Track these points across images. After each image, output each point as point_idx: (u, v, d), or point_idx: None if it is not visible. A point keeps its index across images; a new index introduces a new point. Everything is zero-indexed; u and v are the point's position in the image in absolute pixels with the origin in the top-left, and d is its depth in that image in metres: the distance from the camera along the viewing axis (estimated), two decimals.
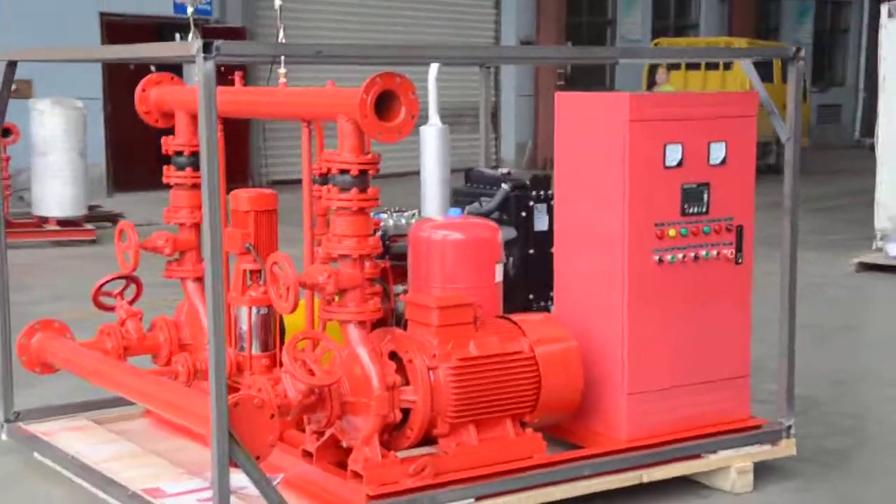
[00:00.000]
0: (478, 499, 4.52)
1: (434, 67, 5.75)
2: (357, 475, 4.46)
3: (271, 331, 5.13)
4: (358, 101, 4.23)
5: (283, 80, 5.04)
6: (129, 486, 4.68)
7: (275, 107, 4.85)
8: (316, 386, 4.32)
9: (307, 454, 4.69)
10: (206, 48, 3.82)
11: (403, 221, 5.73)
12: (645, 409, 5.00)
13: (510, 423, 4.76)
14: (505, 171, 6.25)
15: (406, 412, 4.56)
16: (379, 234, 5.45)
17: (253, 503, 4.49)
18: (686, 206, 4.99)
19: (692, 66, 22.00)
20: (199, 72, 3.85)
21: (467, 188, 6.26)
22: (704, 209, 5.04)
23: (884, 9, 12.59)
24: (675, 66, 22.09)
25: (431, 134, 5.66)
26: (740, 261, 5.17)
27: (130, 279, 5.56)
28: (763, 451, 5.21)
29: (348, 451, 4.64)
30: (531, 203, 5.97)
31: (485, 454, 4.66)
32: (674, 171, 4.95)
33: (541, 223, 5.95)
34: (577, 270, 5.11)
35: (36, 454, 5.44)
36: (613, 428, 5.00)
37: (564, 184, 5.18)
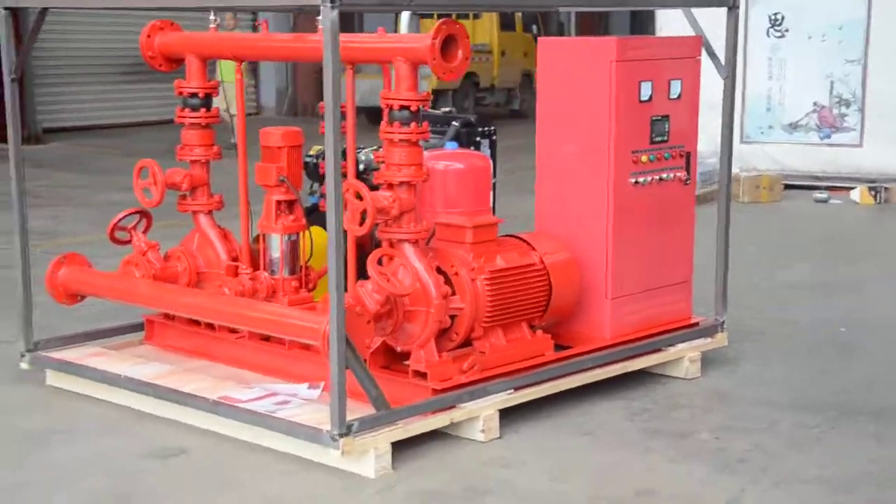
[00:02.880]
0: (515, 389, 5.28)
1: (405, 15, 6.37)
2: (419, 374, 5.13)
3: (298, 256, 5.67)
4: (429, 45, 4.86)
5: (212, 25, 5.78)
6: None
7: (351, 51, 5.30)
8: (401, 295, 4.95)
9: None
10: None
11: (372, 157, 6.35)
12: (622, 312, 5.87)
13: (525, 326, 5.53)
14: (446, 109, 6.95)
15: (451, 318, 5.24)
16: (361, 167, 6.05)
17: (312, 405, 5.09)
18: (654, 136, 5.87)
19: (444, 14, 23.03)
20: (325, 19, 4.37)
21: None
22: (666, 138, 5.93)
23: None
24: (429, 15, 23.10)
25: None
26: (688, 182, 6.11)
27: (143, 213, 5.93)
28: (705, 344, 6.20)
29: (396, 356, 5.29)
30: (478, 138, 6.71)
31: (511, 353, 5.42)
32: (645, 104, 5.81)
33: None
34: (561, 195, 5.89)
35: (49, 380, 5.78)
36: (597, 328, 5.84)
37: (547, 120, 5.93)
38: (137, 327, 6.25)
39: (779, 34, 13.32)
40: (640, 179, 5.83)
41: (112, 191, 12.56)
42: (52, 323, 6.60)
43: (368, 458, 4.68)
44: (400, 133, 5.07)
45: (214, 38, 5.79)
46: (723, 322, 6.27)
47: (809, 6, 13.16)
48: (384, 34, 5.23)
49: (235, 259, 5.84)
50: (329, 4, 4.35)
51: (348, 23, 22.98)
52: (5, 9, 5.51)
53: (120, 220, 5.86)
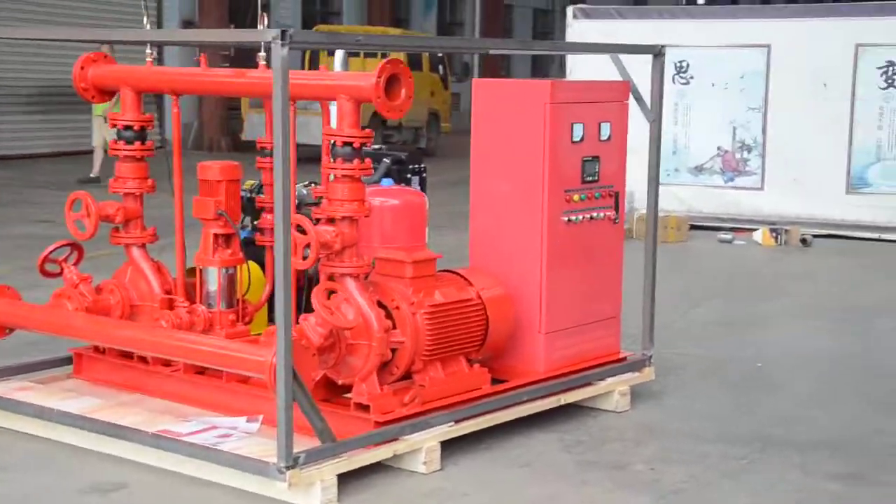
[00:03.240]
0: (456, 421, 5.34)
1: (339, 53, 6.44)
2: (361, 406, 5.17)
3: (235, 289, 5.67)
4: (373, 84, 4.94)
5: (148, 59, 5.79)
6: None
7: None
8: (345, 328, 4.99)
9: None
10: (283, 35, 4.41)
11: (305, 192, 6.42)
12: (555, 346, 5.98)
13: (463, 360, 5.61)
14: (377, 147, 7.02)
15: (392, 351, 5.29)
16: (296, 202, 6.10)
17: (253, 438, 5.10)
18: (585, 175, 6.01)
19: (353, 54, 23.14)
20: (276, 57, 4.42)
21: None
22: (596, 178, 6.07)
23: (569, 10, 14.26)
24: (356, 54, 23.15)
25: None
26: (617, 221, 6.26)
27: (74, 246, 5.88)
28: (634, 378, 6.34)
29: (336, 389, 5.32)
30: (408, 175, 6.80)
31: (449, 386, 5.49)
32: (577, 145, 5.95)
33: None
34: (495, 231, 5.99)
35: None
36: (531, 362, 5.93)
37: (481, 158, 6.03)
38: (63, 361, 6.18)
39: (684, 81, 13.69)
40: (573, 218, 5.96)
41: (15, 224, 12.36)
42: None
43: (315, 490, 4.70)
44: (343, 169, 5.13)
45: (151, 72, 5.79)
46: (650, 356, 6.42)
47: (713, 56, 13.56)
48: (327, 72, 5.30)
49: (169, 292, 5.82)
50: (279, 42, 4.40)
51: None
52: None
53: (51, 252, 5.81)
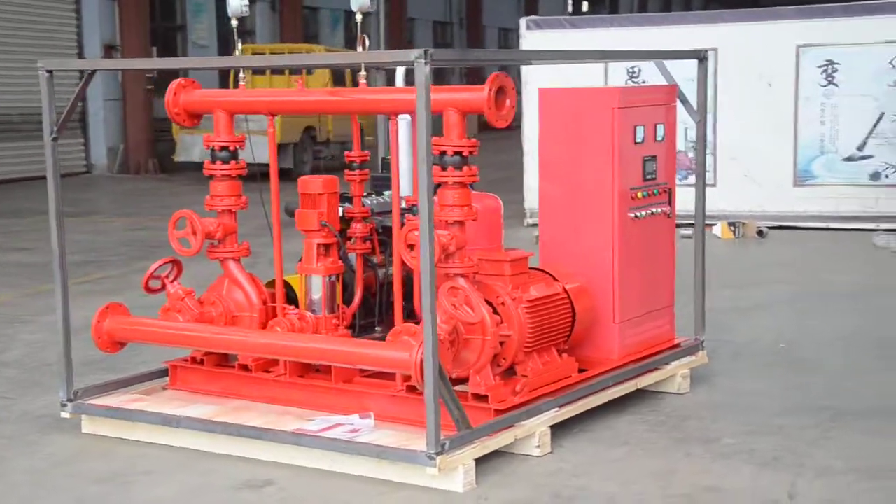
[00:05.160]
0: (560, 406, 5.74)
1: (400, 70, 6.79)
2: (479, 397, 5.54)
3: (336, 296, 5.99)
4: (486, 97, 5.32)
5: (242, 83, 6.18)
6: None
7: (387, 104, 5.74)
8: (471, 323, 5.35)
9: (411, 389, 5.63)
10: (425, 55, 4.77)
11: (374, 202, 6.75)
12: (626, 335, 6.41)
13: (554, 351, 6.01)
14: None
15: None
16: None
17: (380, 431, 5.44)
18: (645, 174, 6.46)
19: (277, 71, 23.30)
20: (419, 74, 4.78)
21: (383, 174, 7.34)
22: (654, 176, 6.54)
23: (522, 22, 14.77)
24: (261, 72, 23.31)
25: (403, 126, 6.68)
26: (670, 215, 6.72)
27: (174, 263, 6.13)
28: (691, 362, 6.80)
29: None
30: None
31: (547, 375, 5.88)
32: (639, 146, 6.41)
33: None
34: (565, 230, 6.40)
35: (86, 428, 5.91)
36: (606, 351, 6.35)
37: (549, 162, 6.44)
38: (152, 375, 6.42)
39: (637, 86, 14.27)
40: (637, 214, 6.40)
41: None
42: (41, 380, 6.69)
43: (457, 474, 5.05)
44: (454, 176, 5.49)
45: (246, 95, 6.08)
46: (702, 341, 6.89)
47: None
48: (435, 87, 5.65)
49: (265, 302, 6.10)
50: (422, 61, 4.76)
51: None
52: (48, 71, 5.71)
53: (155, 269, 6.06)
